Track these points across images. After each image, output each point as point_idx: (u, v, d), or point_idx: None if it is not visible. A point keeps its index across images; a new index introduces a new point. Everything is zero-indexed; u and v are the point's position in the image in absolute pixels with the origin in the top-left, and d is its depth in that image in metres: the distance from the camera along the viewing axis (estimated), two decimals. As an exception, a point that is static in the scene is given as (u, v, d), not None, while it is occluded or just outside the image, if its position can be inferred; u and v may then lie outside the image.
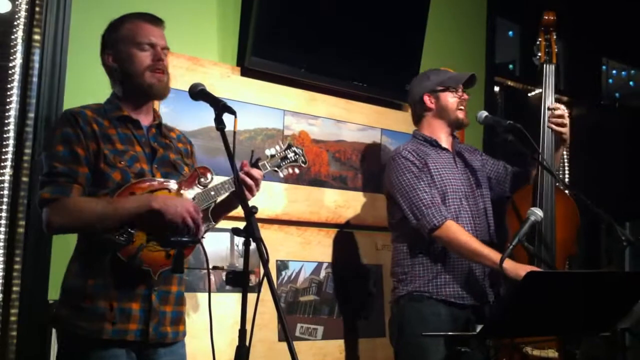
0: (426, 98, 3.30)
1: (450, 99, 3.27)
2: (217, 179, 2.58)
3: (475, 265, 3.12)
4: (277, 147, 2.74)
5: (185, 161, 2.56)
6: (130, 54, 2.44)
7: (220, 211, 2.61)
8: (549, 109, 3.23)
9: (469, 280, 3.14)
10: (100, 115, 2.42)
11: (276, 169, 2.71)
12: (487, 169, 3.43)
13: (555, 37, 3.35)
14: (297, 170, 2.80)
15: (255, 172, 2.54)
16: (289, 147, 2.76)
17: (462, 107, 3.29)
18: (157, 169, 2.45)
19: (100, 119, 2.41)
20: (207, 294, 3.18)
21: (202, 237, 2.45)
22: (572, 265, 3.39)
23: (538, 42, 3.34)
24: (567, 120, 3.23)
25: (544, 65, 3.30)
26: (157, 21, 2.51)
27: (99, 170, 2.34)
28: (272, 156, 2.70)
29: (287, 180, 3.61)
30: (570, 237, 3.30)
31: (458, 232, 3.04)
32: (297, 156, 2.77)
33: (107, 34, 2.51)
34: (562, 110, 3.22)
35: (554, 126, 3.21)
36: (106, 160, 2.34)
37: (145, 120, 2.51)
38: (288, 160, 2.74)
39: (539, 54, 3.33)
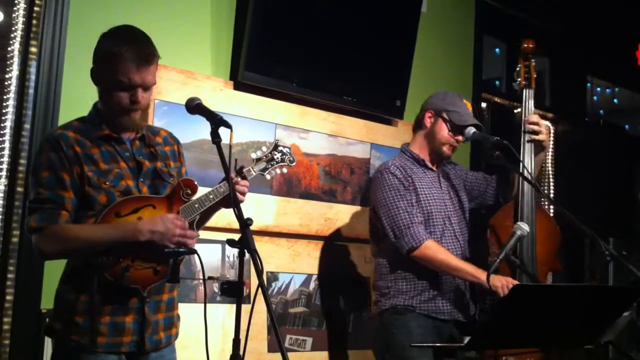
0: (427, 114, 3.32)
1: (444, 131, 3.27)
2: (206, 191, 2.58)
3: (458, 280, 3.18)
4: (264, 149, 2.68)
5: (170, 169, 2.52)
6: (109, 90, 2.38)
7: (203, 220, 2.59)
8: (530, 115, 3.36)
9: (452, 295, 3.19)
10: (82, 134, 2.39)
11: (262, 172, 2.65)
12: (467, 182, 3.47)
13: (533, 63, 3.49)
14: (285, 171, 2.73)
15: (239, 186, 2.50)
16: (275, 147, 2.69)
17: (452, 147, 3.30)
18: (143, 183, 2.43)
19: (82, 139, 2.38)
20: (197, 304, 3.24)
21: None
22: (556, 279, 3.44)
23: (518, 69, 3.47)
24: (541, 127, 3.32)
25: (524, 90, 3.44)
26: (147, 61, 2.38)
27: (84, 193, 2.34)
28: (258, 159, 2.64)
29: (277, 193, 3.66)
30: (552, 253, 3.37)
31: (436, 250, 3.08)
32: (284, 156, 2.70)
33: (101, 54, 2.42)
34: (536, 117, 3.33)
35: (531, 131, 3.30)
36: (90, 182, 2.33)
37: (127, 134, 2.48)
38: (275, 162, 2.67)
39: (519, 80, 3.45)
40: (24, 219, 2.93)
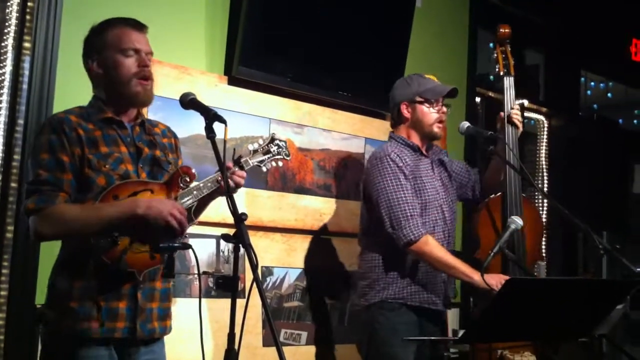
0: (403, 107, 3.27)
1: (427, 113, 3.23)
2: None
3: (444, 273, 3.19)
4: (260, 141, 2.70)
5: (168, 159, 2.55)
6: (115, 61, 2.44)
7: (201, 208, 2.61)
8: (511, 108, 3.38)
9: (438, 286, 3.19)
10: (84, 119, 2.42)
11: (259, 164, 2.67)
12: (453, 171, 3.45)
13: (509, 49, 3.42)
14: (280, 164, 2.75)
15: (236, 177, 2.53)
16: (272, 140, 2.72)
17: (441, 122, 3.26)
18: (142, 168, 2.46)
19: (84, 123, 2.41)
20: (192, 299, 3.25)
21: (186, 237, 2.50)
22: (550, 272, 3.46)
23: (495, 55, 3.41)
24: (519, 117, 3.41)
25: (504, 79, 3.38)
26: (140, 27, 2.50)
27: (83, 175, 2.36)
28: (255, 151, 2.67)
29: (272, 187, 3.66)
30: (537, 244, 3.38)
31: (433, 247, 3.06)
32: (280, 149, 2.72)
33: (90, 39, 2.51)
34: (517, 108, 3.40)
35: (514, 124, 3.36)
36: (90, 165, 2.36)
37: (128, 119, 2.51)
38: (271, 154, 2.70)
39: (497, 67, 3.40)
40: (18, 213, 2.96)
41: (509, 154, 3.30)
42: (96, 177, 2.36)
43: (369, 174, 3.22)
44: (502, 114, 3.39)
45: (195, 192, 2.47)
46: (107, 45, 2.45)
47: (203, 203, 2.58)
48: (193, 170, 2.51)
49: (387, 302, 3.13)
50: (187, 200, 2.45)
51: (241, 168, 2.59)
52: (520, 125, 3.38)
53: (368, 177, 3.22)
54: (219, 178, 2.49)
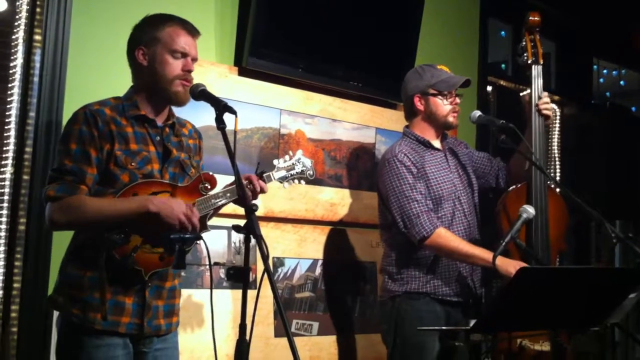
0: (416, 99, 3.28)
1: (440, 105, 3.25)
2: (216, 177, 2.63)
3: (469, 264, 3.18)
4: (287, 157, 2.77)
5: (192, 162, 2.60)
6: (163, 59, 2.48)
7: (213, 214, 2.66)
8: (539, 97, 3.30)
9: (463, 278, 3.19)
10: (118, 113, 2.47)
11: (281, 180, 2.74)
12: (474, 162, 3.46)
13: (539, 37, 3.38)
14: (303, 183, 2.81)
15: (256, 183, 2.57)
16: (298, 159, 2.78)
17: (455, 113, 3.27)
18: (166, 169, 2.50)
19: (118, 117, 2.46)
20: (203, 290, 3.26)
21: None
22: (562, 261, 3.44)
23: (523, 43, 3.36)
24: (551, 109, 3.34)
25: (532, 67, 3.33)
26: (194, 32, 2.56)
27: (108, 170, 2.40)
28: (280, 168, 2.73)
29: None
30: (561, 234, 3.36)
31: (447, 238, 3.07)
32: (305, 169, 2.78)
33: (142, 28, 2.55)
34: (548, 99, 3.32)
35: (544, 112, 3.29)
36: (117, 161, 2.40)
37: (160, 119, 2.56)
38: (295, 172, 2.76)
39: (525, 55, 3.34)
40: (31, 206, 2.97)
41: (535, 142, 3.27)
42: (121, 174, 2.40)
43: (379, 175, 3.27)
44: (527, 97, 3.34)
45: (213, 201, 2.52)
46: (158, 41, 2.50)
47: (217, 209, 2.64)
48: (215, 179, 2.55)
49: (412, 293, 3.16)
50: (204, 208, 2.49)
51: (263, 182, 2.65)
52: (551, 114, 3.34)
53: (379, 178, 3.27)
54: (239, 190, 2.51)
